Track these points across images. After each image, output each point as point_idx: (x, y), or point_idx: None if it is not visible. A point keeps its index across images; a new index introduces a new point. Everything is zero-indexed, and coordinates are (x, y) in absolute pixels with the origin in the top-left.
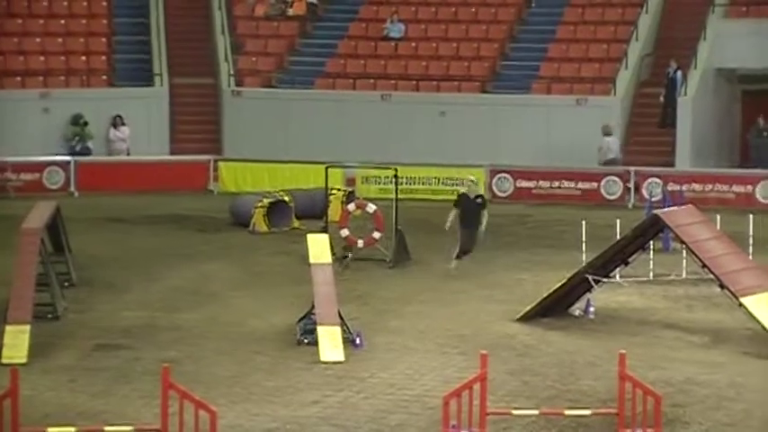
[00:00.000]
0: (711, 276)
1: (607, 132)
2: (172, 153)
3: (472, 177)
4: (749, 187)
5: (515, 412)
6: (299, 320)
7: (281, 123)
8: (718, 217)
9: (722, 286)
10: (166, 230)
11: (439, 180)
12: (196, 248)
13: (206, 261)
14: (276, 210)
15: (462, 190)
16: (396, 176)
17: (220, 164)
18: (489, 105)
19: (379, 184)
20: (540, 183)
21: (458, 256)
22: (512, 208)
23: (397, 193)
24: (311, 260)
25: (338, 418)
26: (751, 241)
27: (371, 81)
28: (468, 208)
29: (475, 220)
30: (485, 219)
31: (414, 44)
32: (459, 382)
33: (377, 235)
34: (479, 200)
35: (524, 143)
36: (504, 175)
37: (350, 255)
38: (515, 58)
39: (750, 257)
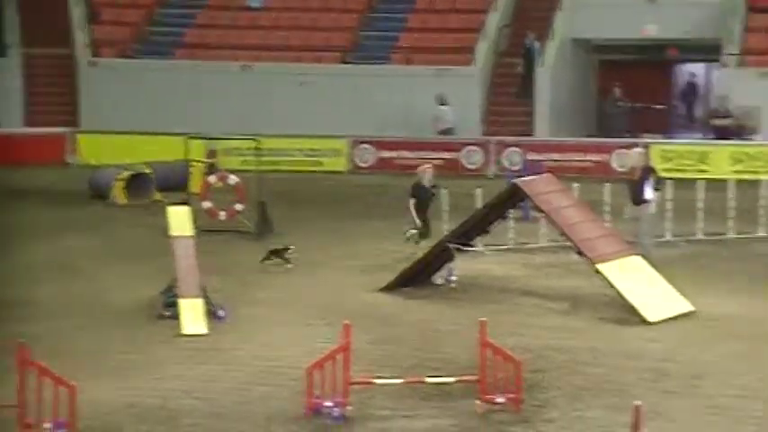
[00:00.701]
0: (569, 244)
1: (442, 102)
2: (27, 125)
3: (428, 167)
4: (605, 156)
5: (378, 381)
6: (161, 293)
7: (139, 94)
8: (576, 185)
9: (580, 253)
10: (23, 205)
11: (301, 151)
12: (54, 222)
13: (65, 235)
14: (136, 182)
15: (420, 180)
16: (257, 148)
17: (79, 136)
18: (350, 76)
19: (241, 155)
20: (402, 153)
21: (417, 242)
22: (374, 178)
23: (259, 164)
24: (172, 233)
25: (201, 391)
26: (607, 209)
27: (231, 51)
28: (425, 197)
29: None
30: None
31: (274, 14)
32: (322, 352)
33: (239, 207)
34: (434, 189)
35: (386, 114)
36: (365, 145)
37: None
38: (375, 28)
39: (606, 225)
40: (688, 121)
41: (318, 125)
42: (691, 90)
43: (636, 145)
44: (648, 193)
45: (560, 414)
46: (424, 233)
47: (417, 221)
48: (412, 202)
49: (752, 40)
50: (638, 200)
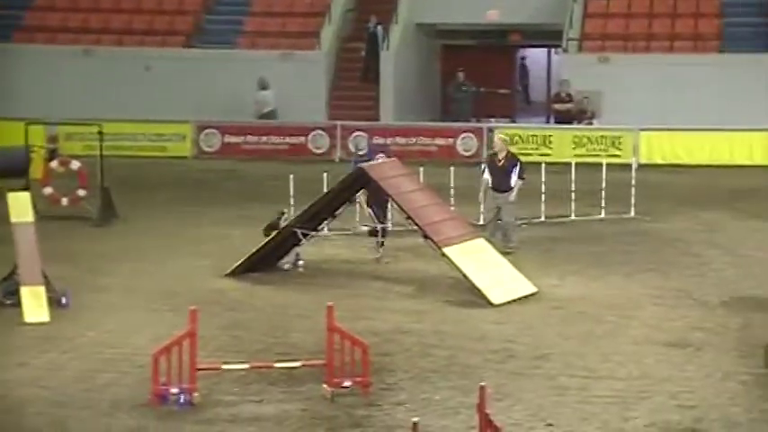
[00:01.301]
0: (415, 228)
1: (263, 86)
2: None
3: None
4: (450, 140)
5: (225, 367)
6: (1, 282)
7: None
8: (422, 169)
9: (426, 237)
10: None
11: (145, 136)
12: None
13: None
14: None
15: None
16: (100, 133)
17: None
18: (194, 60)
19: (84, 141)
20: (248, 138)
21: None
22: (220, 163)
23: (102, 149)
24: (12, 219)
25: (45, 379)
26: (452, 192)
27: (72, 35)
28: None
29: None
30: None
31: None
32: (168, 338)
33: (82, 193)
34: None
35: (231, 98)
36: (211, 130)
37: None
38: (219, 12)
39: (452, 208)
40: (525, 104)
41: (163, 110)
42: (524, 73)
43: (483, 130)
44: (513, 180)
45: (408, 396)
46: (373, 231)
47: (373, 217)
48: (362, 196)
49: (590, 25)
50: (503, 187)
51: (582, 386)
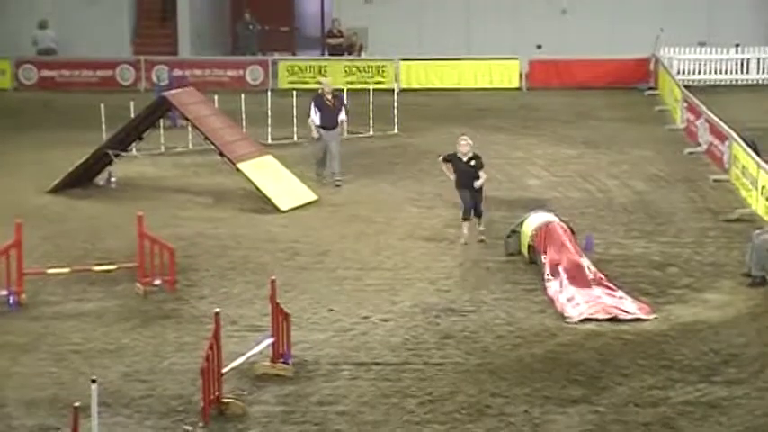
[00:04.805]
0: (213, 147)
1: (41, 26)
2: None
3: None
4: (240, 71)
5: (49, 271)
6: None
7: None
8: (216, 97)
9: (221, 155)
10: None
11: None
12: None
13: None
14: None
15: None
16: None
17: None
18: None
19: None
20: (62, 72)
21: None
22: (37, 95)
23: None
24: None
25: None
26: (243, 116)
27: None
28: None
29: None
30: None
31: None
32: None
33: None
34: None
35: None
36: (28, 65)
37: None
38: None
39: (243, 130)
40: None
41: None
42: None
43: (268, 62)
44: (342, 116)
45: (210, 291)
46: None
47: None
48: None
49: None
50: (333, 124)
51: (357, 277)
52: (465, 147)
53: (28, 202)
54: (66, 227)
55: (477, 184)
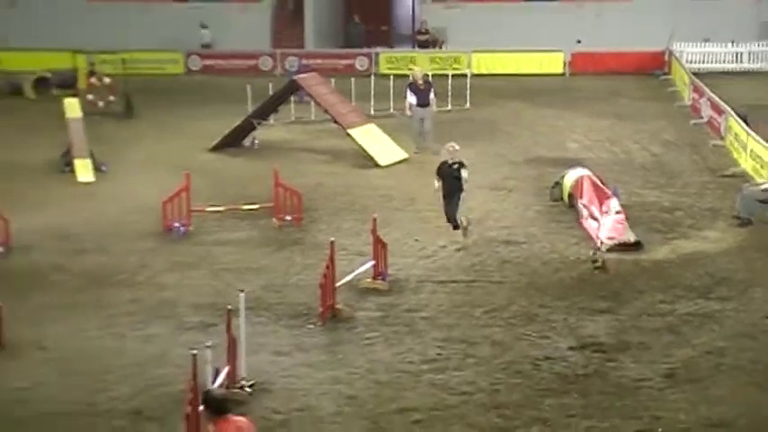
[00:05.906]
0: (329, 117)
1: (203, 26)
2: None
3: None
4: (351, 60)
5: (209, 209)
6: (61, 156)
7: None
8: (333, 80)
9: (336, 122)
10: None
11: (152, 61)
12: None
13: None
14: (41, 82)
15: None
16: (123, 60)
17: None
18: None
19: (112, 64)
20: (218, 61)
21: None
22: (201, 78)
23: (124, 70)
24: (67, 116)
25: (92, 219)
26: (353, 94)
27: None
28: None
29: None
30: None
31: None
32: (171, 192)
33: (112, 98)
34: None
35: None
36: (194, 56)
37: None
38: None
39: (353, 104)
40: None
41: (155, 41)
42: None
43: (371, 54)
44: (432, 96)
45: (327, 225)
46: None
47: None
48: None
49: None
50: (426, 102)
51: (437, 216)
52: (454, 153)
53: (194, 158)
54: (221, 176)
55: (464, 174)
